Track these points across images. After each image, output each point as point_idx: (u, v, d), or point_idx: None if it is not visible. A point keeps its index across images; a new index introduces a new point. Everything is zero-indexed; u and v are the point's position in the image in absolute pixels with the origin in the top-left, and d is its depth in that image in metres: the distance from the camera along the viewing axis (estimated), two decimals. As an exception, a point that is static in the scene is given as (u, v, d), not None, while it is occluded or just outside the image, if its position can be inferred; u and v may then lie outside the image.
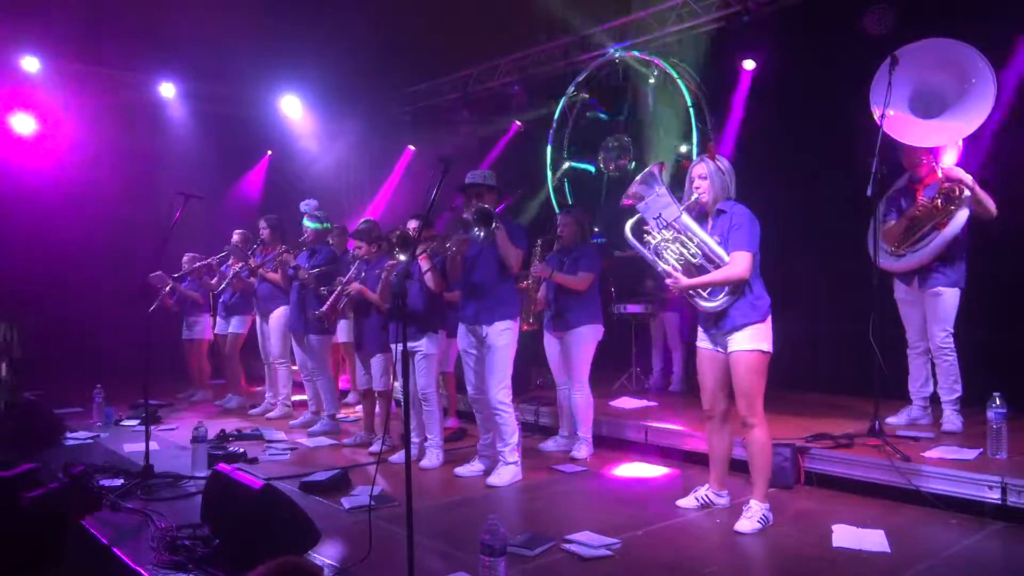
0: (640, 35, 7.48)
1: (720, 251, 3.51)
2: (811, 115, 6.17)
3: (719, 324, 3.58)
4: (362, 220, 5.55)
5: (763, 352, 3.50)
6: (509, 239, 4.38)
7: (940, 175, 4.56)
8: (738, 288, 3.50)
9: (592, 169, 8.30)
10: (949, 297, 4.56)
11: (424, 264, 4.77)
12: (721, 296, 3.53)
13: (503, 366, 4.45)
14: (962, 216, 4.44)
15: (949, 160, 4.61)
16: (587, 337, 5.07)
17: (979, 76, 4.31)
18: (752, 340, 3.49)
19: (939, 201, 4.52)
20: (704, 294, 3.58)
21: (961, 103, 4.39)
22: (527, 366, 6.38)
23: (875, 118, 4.40)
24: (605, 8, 7.47)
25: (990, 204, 4.42)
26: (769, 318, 3.54)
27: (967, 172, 4.46)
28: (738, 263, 3.46)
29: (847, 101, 5.18)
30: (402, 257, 4.64)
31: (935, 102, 4.49)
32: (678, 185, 3.90)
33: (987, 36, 4.48)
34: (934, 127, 4.48)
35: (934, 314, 4.61)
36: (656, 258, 3.64)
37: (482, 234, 4.20)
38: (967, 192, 4.41)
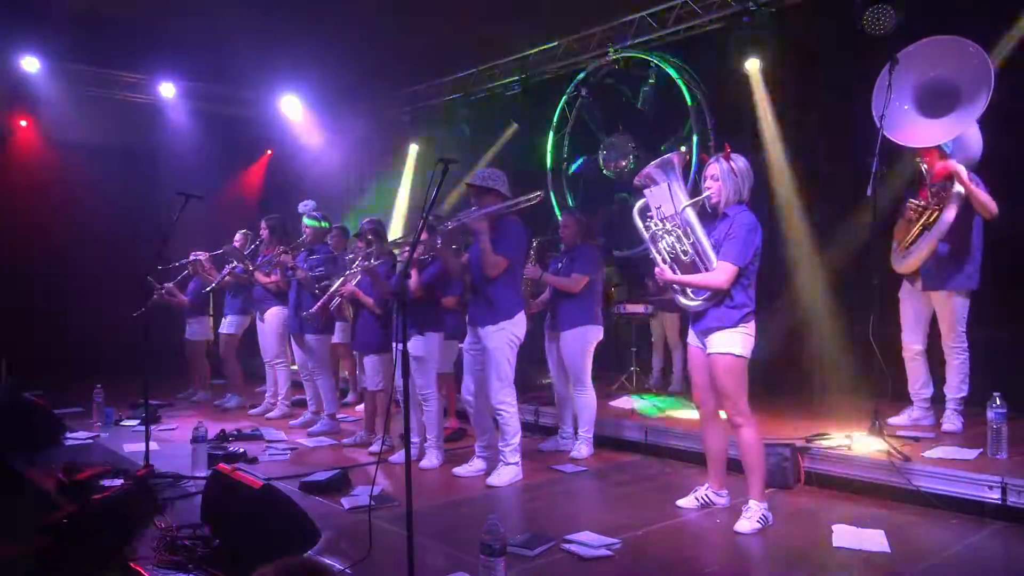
0: (640, 35, 7.48)
1: (711, 254, 3.53)
2: (811, 115, 6.16)
3: (697, 323, 3.66)
4: (366, 220, 5.54)
5: (736, 356, 3.52)
6: (492, 246, 4.36)
7: (928, 179, 4.53)
8: (718, 295, 3.53)
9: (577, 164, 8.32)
10: (957, 299, 4.50)
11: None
12: (702, 298, 3.58)
13: (499, 366, 4.44)
14: (949, 213, 4.35)
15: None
16: (579, 338, 5.06)
17: (979, 66, 4.26)
18: (725, 344, 3.53)
19: (932, 200, 4.48)
20: (688, 292, 3.63)
21: (967, 96, 4.33)
22: (527, 366, 6.37)
23: (876, 121, 4.34)
24: (605, 8, 7.46)
25: (985, 200, 4.27)
26: (747, 326, 3.54)
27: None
28: (720, 273, 3.48)
29: (847, 101, 5.18)
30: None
31: (943, 100, 4.42)
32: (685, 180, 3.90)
33: (983, 30, 4.49)
34: (943, 124, 4.41)
35: (943, 317, 4.56)
36: (651, 245, 3.69)
37: (440, 244, 4.50)
38: (957, 188, 4.31)
